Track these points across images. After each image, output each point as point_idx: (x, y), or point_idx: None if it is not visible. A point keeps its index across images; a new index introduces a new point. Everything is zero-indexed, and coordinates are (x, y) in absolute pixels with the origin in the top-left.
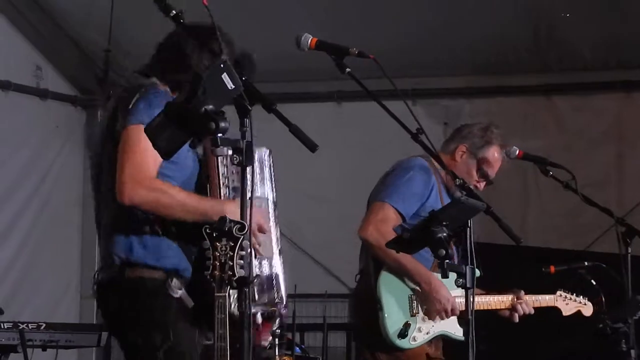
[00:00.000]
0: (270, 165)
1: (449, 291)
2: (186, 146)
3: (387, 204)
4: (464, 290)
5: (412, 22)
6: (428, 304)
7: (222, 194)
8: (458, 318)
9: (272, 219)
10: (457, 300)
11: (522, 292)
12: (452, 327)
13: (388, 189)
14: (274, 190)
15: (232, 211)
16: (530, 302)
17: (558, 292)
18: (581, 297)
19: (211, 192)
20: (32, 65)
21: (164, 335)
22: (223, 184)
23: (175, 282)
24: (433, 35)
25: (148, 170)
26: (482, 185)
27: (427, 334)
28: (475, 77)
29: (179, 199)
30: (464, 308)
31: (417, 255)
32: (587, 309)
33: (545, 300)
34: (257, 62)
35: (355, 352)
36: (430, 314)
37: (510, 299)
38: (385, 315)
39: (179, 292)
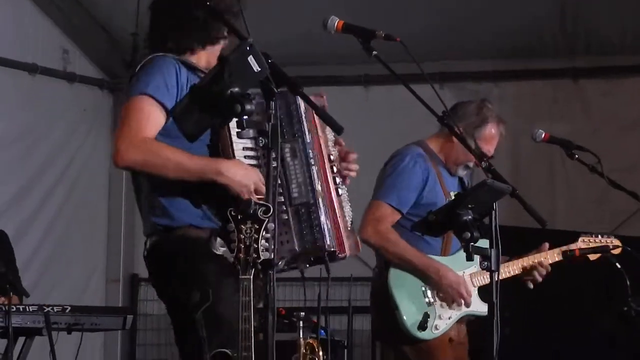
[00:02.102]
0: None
1: (456, 274)
2: None
3: (381, 202)
4: (477, 265)
5: (439, 6)
6: (441, 292)
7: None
8: (480, 294)
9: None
10: (469, 274)
11: (546, 245)
12: (475, 305)
13: (382, 186)
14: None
15: (229, 169)
16: (555, 252)
17: (581, 238)
18: (605, 236)
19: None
20: (60, 49)
21: (204, 294)
22: (245, 156)
23: (219, 240)
24: (461, 19)
25: (141, 133)
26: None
27: (449, 319)
28: (502, 60)
29: (172, 159)
30: (481, 283)
31: (423, 242)
32: (616, 248)
33: (569, 248)
34: (284, 45)
35: (380, 351)
36: (446, 302)
37: (534, 257)
38: (401, 310)
39: (221, 250)
